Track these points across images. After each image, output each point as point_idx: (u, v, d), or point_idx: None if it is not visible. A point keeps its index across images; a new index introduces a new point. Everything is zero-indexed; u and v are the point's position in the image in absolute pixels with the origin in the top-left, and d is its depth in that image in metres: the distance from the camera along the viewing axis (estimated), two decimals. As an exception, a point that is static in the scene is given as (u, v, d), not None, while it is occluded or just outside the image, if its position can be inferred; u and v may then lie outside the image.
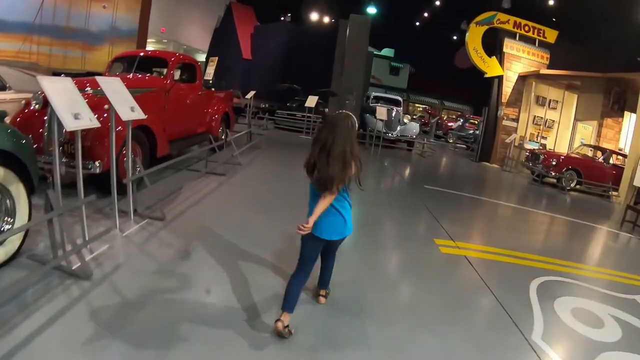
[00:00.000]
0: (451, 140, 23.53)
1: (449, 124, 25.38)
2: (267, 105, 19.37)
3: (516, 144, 15.97)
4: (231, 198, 6.40)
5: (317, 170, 2.77)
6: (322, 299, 3.45)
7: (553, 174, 12.88)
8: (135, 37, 16.12)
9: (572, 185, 12.97)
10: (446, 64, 32.33)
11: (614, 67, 14.91)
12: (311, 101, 15.15)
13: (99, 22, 14.93)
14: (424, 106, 34.18)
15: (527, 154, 14.62)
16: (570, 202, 11.45)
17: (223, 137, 9.33)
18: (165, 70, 7.33)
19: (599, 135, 16.51)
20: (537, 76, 16.19)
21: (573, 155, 13.91)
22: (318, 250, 3.05)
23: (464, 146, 22.39)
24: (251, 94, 16.84)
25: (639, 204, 10.63)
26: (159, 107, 6.78)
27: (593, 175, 13.02)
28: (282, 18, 30.83)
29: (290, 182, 7.89)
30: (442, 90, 34.58)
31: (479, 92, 33.50)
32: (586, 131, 16.75)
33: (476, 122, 24.80)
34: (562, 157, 13.13)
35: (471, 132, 22.64)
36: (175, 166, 7.12)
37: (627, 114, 16.37)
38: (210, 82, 25.29)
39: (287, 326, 2.85)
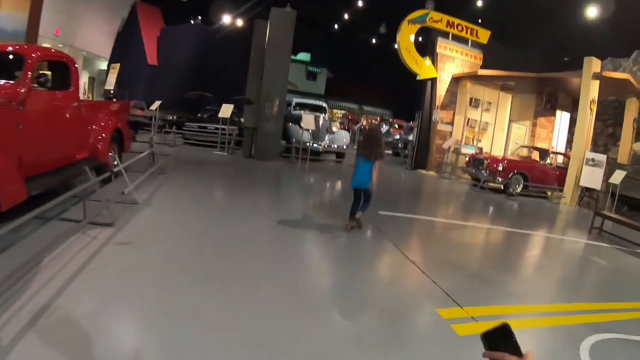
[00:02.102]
0: None
1: (373, 130, 24.03)
2: (174, 117, 16.60)
3: (452, 148, 14.83)
4: (120, 279, 3.52)
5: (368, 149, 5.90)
6: (350, 226, 5.96)
7: (500, 179, 11.79)
8: (23, 38, 13.36)
9: (519, 189, 12.00)
10: (365, 67, 31.36)
11: (543, 67, 14.73)
12: (226, 110, 12.75)
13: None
14: (343, 112, 32.69)
15: (467, 159, 13.52)
16: (526, 210, 10.62)
17: (115, 162, 6.75)
18: (20, 72, 4.73)
19: (532, 135, 16.03)
20: (471, 77, 15.22)
21: (514, 158, 12.95)
22: (357, 195, 6.00)
23: (390, 152, 20.99)
24: (156, 104, 14.23)
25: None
26: (8, 128, 4.27)
27: (538, 178, 12.43)
28: (192, 20, 27.77)
29: (214, 229, 5.35)
30: (360, 94, 33.46)
31: (399, 95, 33.30)
32: (520, 131, 16.20)
33: (403, 126, 23.84)
34: (507, 162, 12.07)
35: (397, 137, 21.40)
36: (43, 215, 4.36)
37: (558, 112, 16.13)
38: (112, 92, 22.45)
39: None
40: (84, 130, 6.28)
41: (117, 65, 23.00)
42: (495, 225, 8.22)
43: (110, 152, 7.00)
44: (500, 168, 11.78)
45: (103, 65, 26.72)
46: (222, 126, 12.95)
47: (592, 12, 14.41)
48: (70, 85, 5.77)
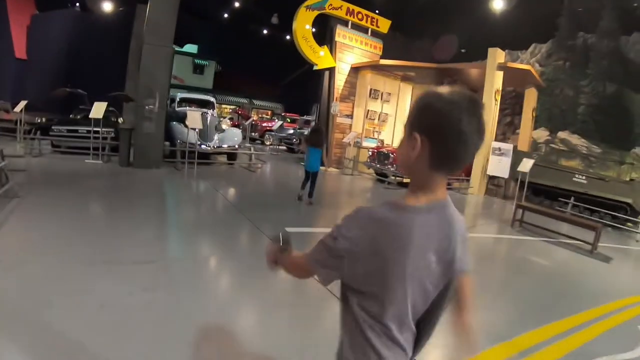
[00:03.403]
0: (269, 143, 20.57)
1: (265, 125, 22.38)
2: (43, 119, 13.50)
3: (353, 143, 13.84)
4: None
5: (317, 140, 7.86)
6: (307, 203, 7.84)
7: (408, 174, 11.07)
8: None
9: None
10: (255, 59, 29.56)
11: (441, 59, 14.54)
12: (98, 110, 10.25)
13: None
14: (232, 107, 30.30)
15: (370, 153, 12.62)
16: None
17: None
18: None
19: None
20: (372, 67, 14.38)
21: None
22: (308, 175, 7.84)
23: (284, 148, 19.64)
24: (21, 105, 11.41)
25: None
26: None
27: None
28: (70, 5, 23.46)
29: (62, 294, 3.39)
30: (250, 88, 31.35)
31: (291, 88, 32.01)
32: (421, 122, 15.77)
33: (296, 119, 22.52)
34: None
35: (291, 131, 20.04)
36: None
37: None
38: None
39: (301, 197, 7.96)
40: None
41: None
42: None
43: None
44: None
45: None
46: (95, 129, 10.50)
47: (497, 4, 14.39)
48: None
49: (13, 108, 12.83)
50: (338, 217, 1.22)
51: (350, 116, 14.61)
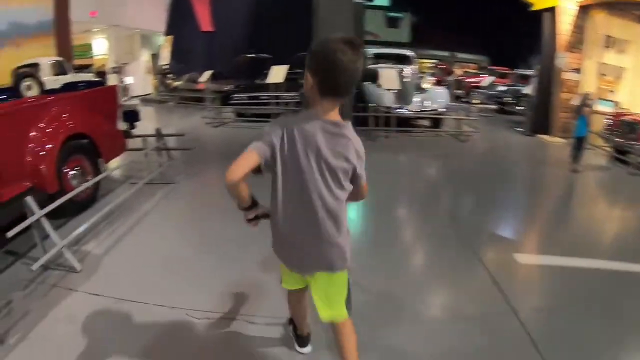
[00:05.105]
0: (475, 102, 18.02)
1: (471, 81, 19.90)
2: (229, 87, 14.00)
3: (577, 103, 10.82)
4: None
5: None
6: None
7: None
8: (52, 30, 12.89)
9: None
10: (454, 6, 26.59)
11: None
12: (277, 74, 9.99)
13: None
14: (432, 62, 27.93)
15: (608, 121, 9.71)
16: None
17: (84, 185, 4.65)
18: None
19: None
20: (606, 5, 11.06)
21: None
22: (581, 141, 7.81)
23: (494, 107, 16.93)
24: (206, 75, 11.98)
25: None
26: None
27: None
28: None
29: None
30: (450, 39, 28.52)
31: (498, 38, 28.03)
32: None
33: (507, 74, 19.39)
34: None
35: (503, 88, 17.25)
36: None
37: None
38: (167, 68, 20.47)
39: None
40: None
41: (169, 38, 21.07)
42: None
43: (74, 170, 4.78)
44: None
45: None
46: (276, 94, 10.19)
47: None
48: None
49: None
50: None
51: (578, 71, 11.63)
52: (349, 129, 1.78)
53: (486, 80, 18.22)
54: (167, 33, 22.08)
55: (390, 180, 6.56)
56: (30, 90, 9.51)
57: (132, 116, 6.65)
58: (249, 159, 1.69)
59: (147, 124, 7.88)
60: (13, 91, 6.09)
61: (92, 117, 5.24)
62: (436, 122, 10.75)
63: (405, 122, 10.25)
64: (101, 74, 13.85)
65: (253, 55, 15.59)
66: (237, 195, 1.81)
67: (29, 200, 3.49)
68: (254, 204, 1.87)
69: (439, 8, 26.64)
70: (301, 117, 1.77)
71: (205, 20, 21.74)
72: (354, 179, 1.83)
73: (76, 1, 13.15)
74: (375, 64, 12.00)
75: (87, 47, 18.58)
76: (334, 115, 1.75)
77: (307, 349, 2.58)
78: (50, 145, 4.37)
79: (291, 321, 2.61)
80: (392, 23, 27.65)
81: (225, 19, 21.28)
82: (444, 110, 10.44)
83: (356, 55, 1.64)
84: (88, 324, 2.87)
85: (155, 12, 21.47)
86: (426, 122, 11.14)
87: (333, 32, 6.58)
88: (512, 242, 4.50)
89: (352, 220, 4.87)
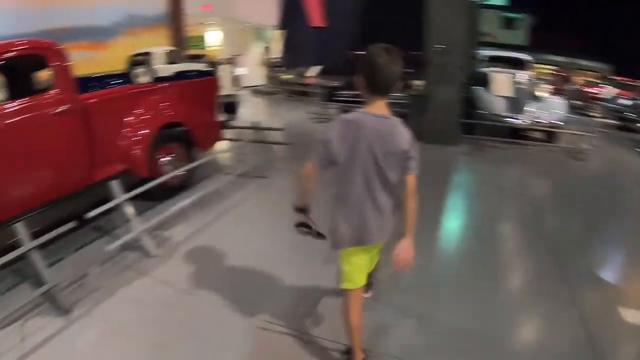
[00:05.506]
0: (595, 115, 16.20)
1: (591, 91, 18.01)
2: (336, 83, 13.88)
3: None
4: None
5: None
6: None
7: None
8: (167, 22, 14.14)
9: None
10: (578, 7, 24.16)
11: None
12: None
13: (109, 13, 12.55)
14: (548, 68, 25.56)
15: None
16: None
17: (179, 169, 4.88)
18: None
19: None
20: None
21: None
22: None
23: (614, 122, 14.97)
24: (314, 70, 12.05)
25: None
26: None
27: None
28: None
29: None
30: (571, 45, 26.02)
31: (625, 44, 25.04)
32: None
33: (635, 86, 17.23)
34: None
35: (627, 102, 15.34)
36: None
37: None
38: (278, 61, 21.13)
39: None
40: (88, 140, 4.22)
41: (281, 32, 21.70)
42: None
43: (167, 157, 5.11)
44: None
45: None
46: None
47: None
48: (53, 86, 3.86)
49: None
50: None
51: None
52: (396, 121, 2.13)
53: (607, 91, 16.37)
54: (280, 27, 22.67)
55: (490, 198, 6.19)
56: (141, 77, 10.27)
57: (231, 107, 6.83)
58: (313, 158, 2.21)
59: (252, 114, 8.08)
60: (126, 77, 6.59)
61: (191, 106, 5.51)
62: (550, 136, 9.73)
63: (516, 133, 9.43)
64: (213, 64, 14.59)
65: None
66: (302, 185, 2.31)
67: (114, 184, 3.69)
68: (306, 211, 2.36)
69: (560, 10, 24.45)
70: (356, 113, 2.18)
71: (316, 16, 22.01)
72: (404, 164, 2.13)
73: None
74: (488, 67, 11.28)
75: (201, 39, 19.73)
76: (383, 109, 2.13)
77: None
78: (145, 131, 4.61)
79: (348, 353, 2.57)
80: (508, 24, 25.88)
81: (337, 15, 21.29)
82: (561, 123, 9.41)
83: (392, 58, 2.04)
84: (149, 312, 2.96)
85: (266, 6, 22.25)
86: (539, 135, 10.12)
87: (445, 30, 6.21)
88: (621, 292, 3.86)
89: (444, 238, 4.59)
